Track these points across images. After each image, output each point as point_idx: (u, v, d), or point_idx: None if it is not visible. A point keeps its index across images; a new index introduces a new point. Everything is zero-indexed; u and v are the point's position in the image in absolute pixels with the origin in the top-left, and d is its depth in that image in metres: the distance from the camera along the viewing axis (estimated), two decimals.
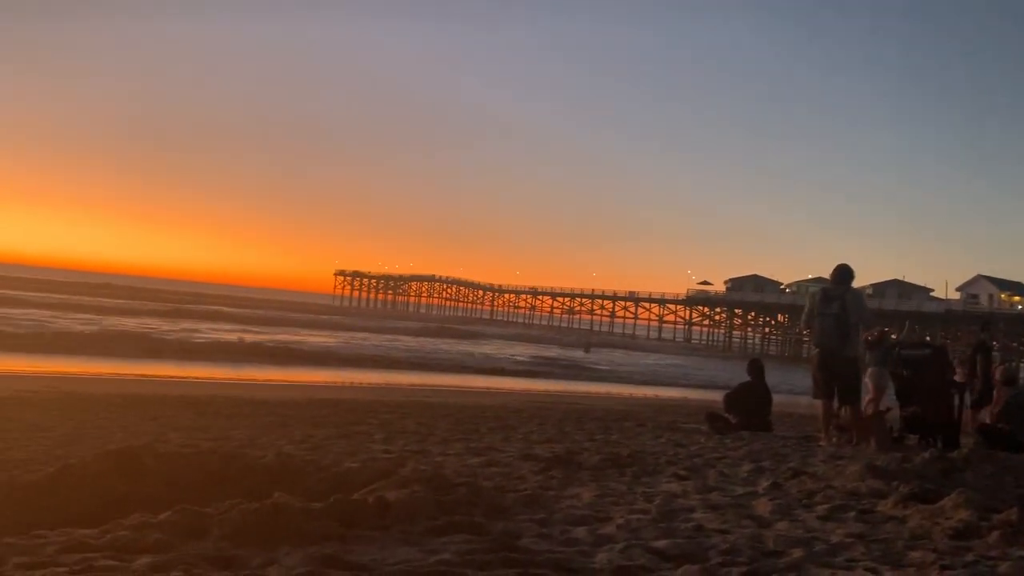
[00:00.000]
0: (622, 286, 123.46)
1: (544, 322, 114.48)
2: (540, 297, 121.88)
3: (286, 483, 5.34)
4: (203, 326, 41.75)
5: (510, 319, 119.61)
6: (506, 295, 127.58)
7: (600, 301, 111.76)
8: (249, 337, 36.27)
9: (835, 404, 9.79)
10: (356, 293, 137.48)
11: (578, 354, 49.02)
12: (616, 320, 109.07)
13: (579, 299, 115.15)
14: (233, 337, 35.48)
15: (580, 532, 4.54)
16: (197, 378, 19.35)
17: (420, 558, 3.83)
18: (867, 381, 11.15)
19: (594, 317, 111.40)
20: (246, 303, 79.37)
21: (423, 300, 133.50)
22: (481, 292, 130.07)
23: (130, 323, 37.97)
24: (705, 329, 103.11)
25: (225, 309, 61.96)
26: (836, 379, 9.64)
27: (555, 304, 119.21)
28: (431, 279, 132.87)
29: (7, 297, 48.03)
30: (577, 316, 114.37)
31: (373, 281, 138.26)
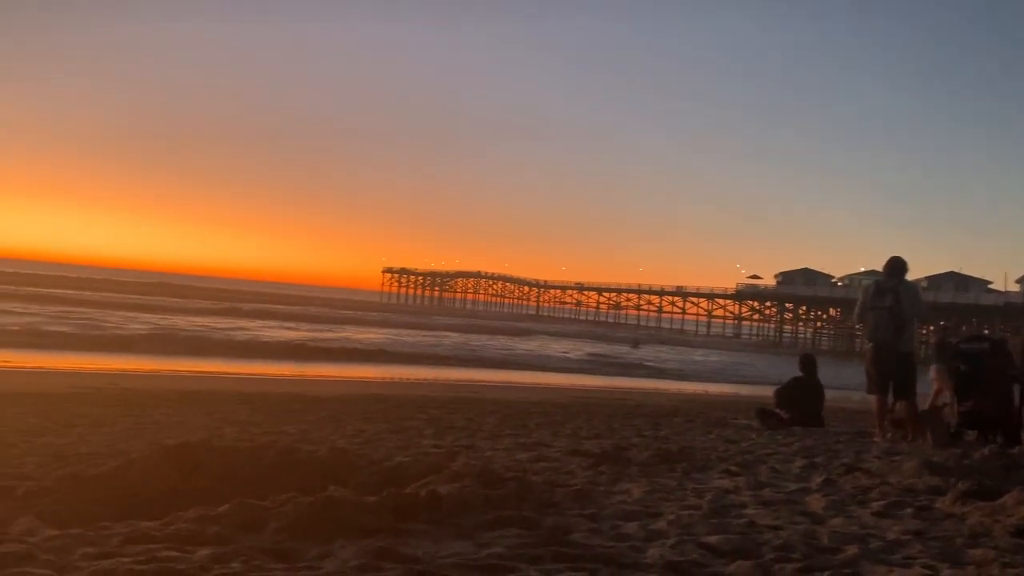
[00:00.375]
0: (669, 281, 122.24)
1: (590, 318, 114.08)
2: (586, 293, 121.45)
3: (339, 477, 5.43)
4: (256, 324, 42.50)
5: (556, 315, 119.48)
6: (552, 291, 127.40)
7: (647, 296, 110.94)
8: (300, 335, 36.84)
9: (890, 399, 9.61)
10: (403, 290, 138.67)
11: (625, 350, 48.79)
12: (663, 315, 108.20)
13: (626, 294, 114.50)
14: (285, 335, 36.07)
15: (631, 527, 4.54)
16: (250, 374, 19.72)
17: (472, 551, 3.87)
18: (933, 377, 10.98)
19: (641, 313, 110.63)
20: (296, 301, 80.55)
21: (469, 296, 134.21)
22: (527, 288, 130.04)
23: (185, 321, 38.84)
24: (755, 324, 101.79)
25: (276, 307, 62.97)
26: (890, 374, 9.46)
27: (601, 300, 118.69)
28: (477, 275, 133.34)
29: (67, 297, 49.44)
30: (624, 312, 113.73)
31: (419, 278, 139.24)
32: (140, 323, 34.33)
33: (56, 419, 8.94)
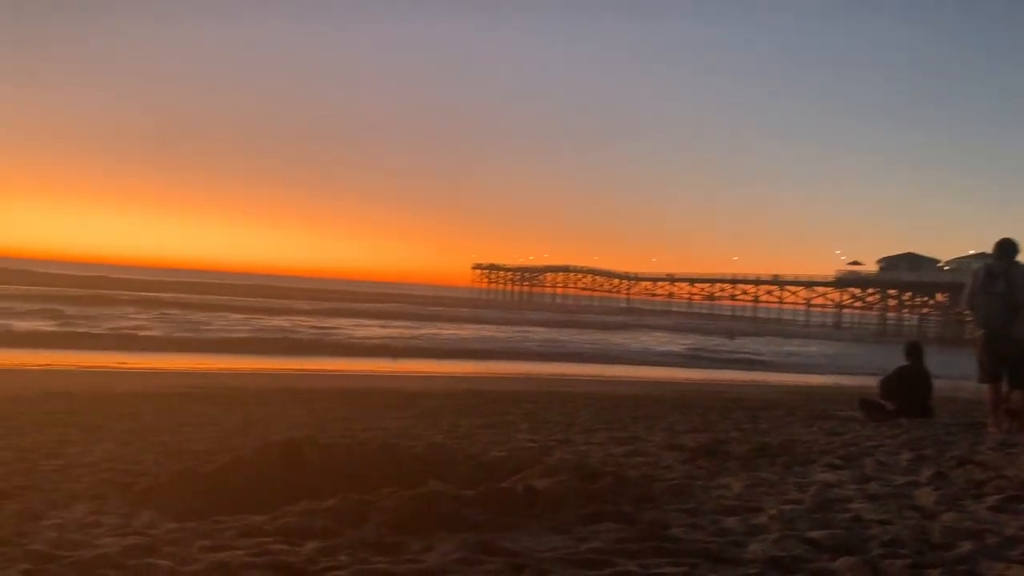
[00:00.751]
0: (765, 270, 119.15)
1: (683, 310, 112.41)
2: (678, 284, 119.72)
3: (437, 471, 5.54)
4: (350, 322, 43.60)
5: (647, 307, 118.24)
6: (642, 283, 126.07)
7: (742, 286, 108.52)
8: (393, 332, 37.63)
9: (1004, 388, 9.15)
10: (493, 285, 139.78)
11: (720, 341, 47.91)
12: (760, 305, 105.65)
13: (719, 284, 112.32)
14: (379, 332, 36.91)
15: (731, 522, 4.48)
16: (348, 371, 20.26)
17: (571, 546, 3.90)
18: None
19: (736, 303, 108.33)
20: (388, 298, 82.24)
21: (558, 291, 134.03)
22: (617, 281, 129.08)
23: (283, 321, 40.19)
24: (856, 312, 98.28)
25: (369, 305, 64.44)
26: (1004, 362, 9.02)
27: (694, 291, 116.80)
28: (566, 269, 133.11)
29: (171, 300, 51.83)
30: (718, 303, 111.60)
31: (509, 273, 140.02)
32: (240, 324, 35.69)
33: (169, 417, 9.40)
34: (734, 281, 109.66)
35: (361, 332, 36.52)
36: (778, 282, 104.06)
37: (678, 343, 43.87)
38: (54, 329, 27.18)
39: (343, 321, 43.88)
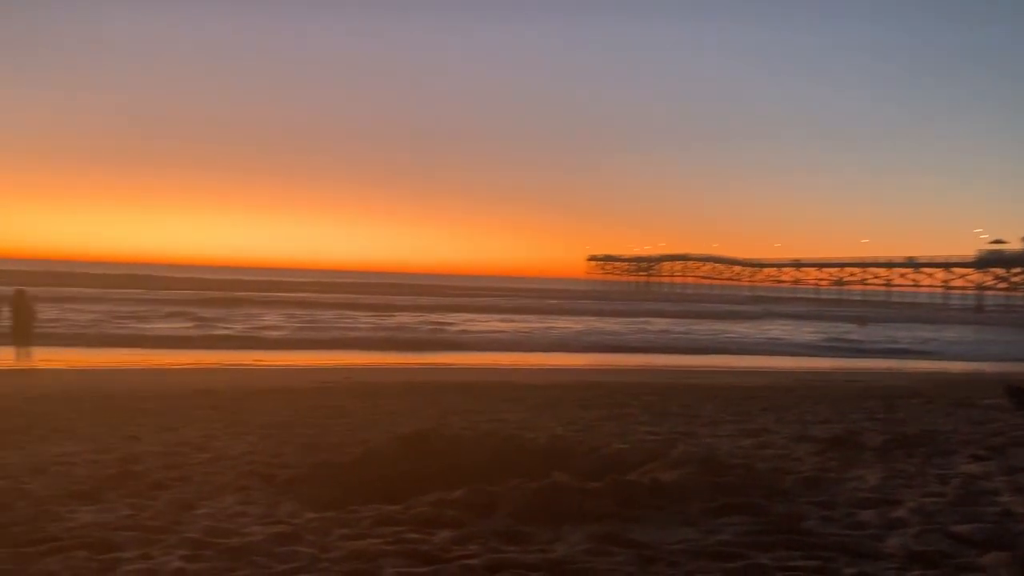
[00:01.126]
0: (898, 252, 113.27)
1: (810, 296, 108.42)
2: (804, 269, 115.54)
3: (560, 463, 5.59)
4: (468, 317, 44.33)
5: (772, 295, 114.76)
6: (766, 269, 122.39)
7: (873, 269, 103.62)
8: (510, 326, 38.03)
9: None
10: (608, 276, 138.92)
11: (851, 328, 45.98)
12: (893, 289, 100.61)
13: (849, 269, 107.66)
14: (496, 326, 37.40)
15: (868, 515, 4.33)
16: (469, 365, 20.63)
17: (700, 538, 3.86)
18: None
19: (867, 288, 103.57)
20: (505, 293, 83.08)
21: (676, 280, 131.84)
22: (738, 268, 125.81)
23: (405, 316, 41.30)
24: (1000, 293, 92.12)
25: (487, 300, 65.29)
26: None
27: (821, 276, 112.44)
28: (684, 258, 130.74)
29: (300, 300, 54.05)
30: (847, 288, 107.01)
31: (625, 264, 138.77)
32: (362, 321, 36.90)
33: (304, 412, 9.85)
34: (864, 265, 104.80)
35: (477, 327, 37.08)
36: (912, 264, 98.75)
37: (805, 331, 42.39)
38: (193, 330, 28.92)
39: (460, 316, 44.68)
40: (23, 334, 15.36)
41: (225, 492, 5.20)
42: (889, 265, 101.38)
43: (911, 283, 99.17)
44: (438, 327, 35.49)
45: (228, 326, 30.90)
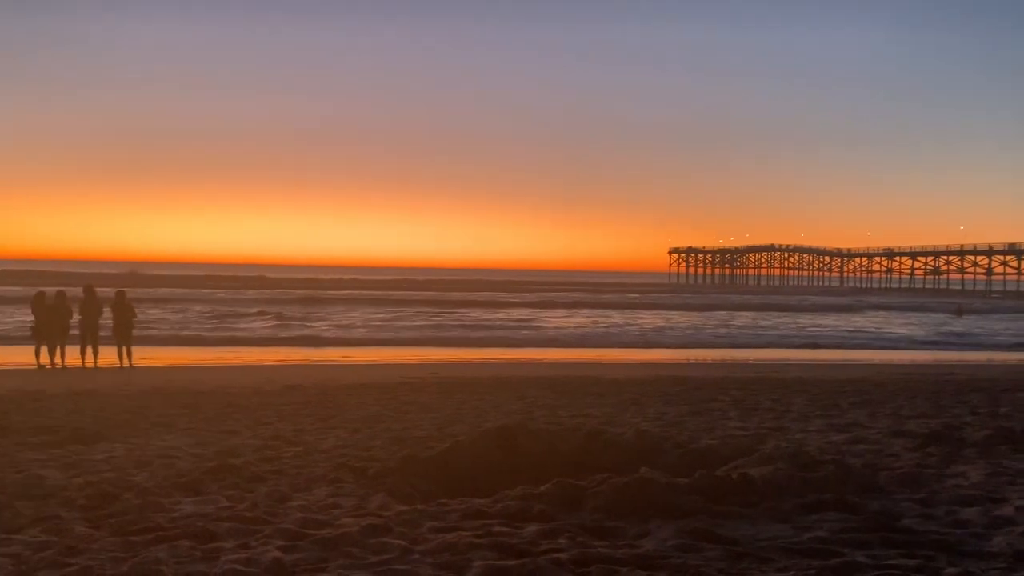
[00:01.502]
0: (999, 237, 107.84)
1: (904, 286, 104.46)
2: (897, 259, 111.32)
3: (647, 459, 5.55)
4: (551, 313, 44.39)
5: (863, 285, 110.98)
6: (857, 259, 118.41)
7: (972, 257, 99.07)
8: (592, 320, 37.92)
9: None
10: (691, 269, 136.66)
11: (947, 319, 44.16)
12: (994, 278, 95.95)
13: (945, 257, 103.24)
14: (578, 321, 37.34)
15: (970, 513, 4.16)
16: (552, 360, 20.66)
17: (792, 534, 3.78)
18: None
19: (965, 276, 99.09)
20: (587, 288, 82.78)
21: (762, 271, 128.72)
22: (827, 258, 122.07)
23: (488, 313, 41.63)
24: None
25: (569, 295, 65.23)
26: None
27: (916, 265, 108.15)
28: (770, 248, 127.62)
29: (381, 298, 55.04)
30: (944, 277, 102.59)
31: (708, 256, 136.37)
32: (443, 317, 37.36)
33: (391, 406, 10.05)
34: (962, 253, 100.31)
35: (559, 321, 37.09)
36: (1016, 251, 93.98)
37: (898, 322, 40.94)
38: (279, 327, 29.85)
39: (543, 312, 44.76)
40: (123, 333, 16.09)
41: (318, 484, 5.35)
42: (989, 253, 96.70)
43: (1014, 271, 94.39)
44: (521, 322, 35.66)
45: (312, 323, 31.80)
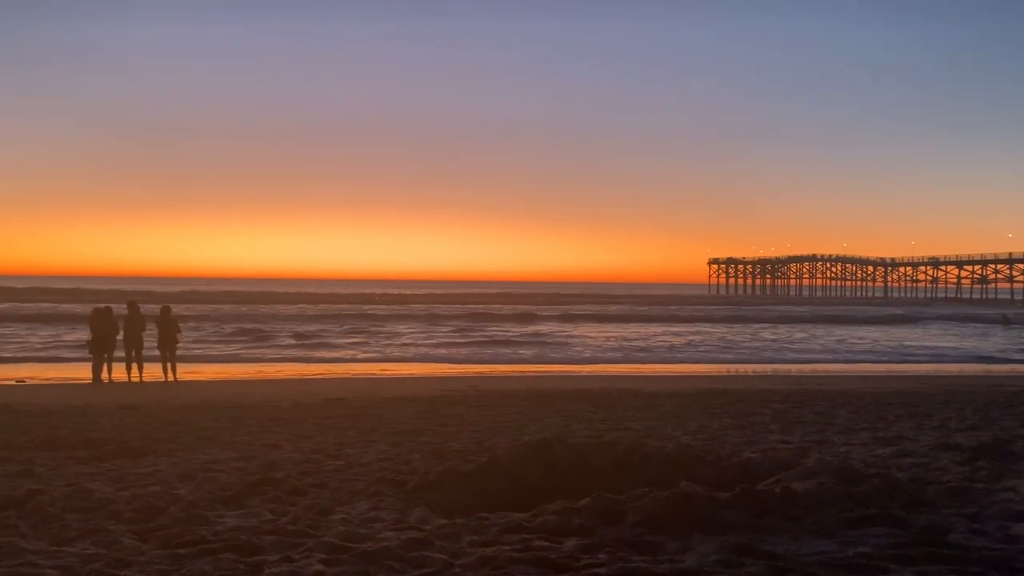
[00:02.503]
0: None
1: (950, 296, 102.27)
2: (943, 268, 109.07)
3: (687, 472, 5.49)
4: (590, 326, 44.28)
5: (908, 295, 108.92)
6: (901, 268, 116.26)
7: (1021, 265, 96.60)
8: (624, 332, 37.74)
9: None
10: (731, 280, 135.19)
11: (995, 329, 43.14)
12: None
13: (992, 266, 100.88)
14: (619, 333, 37.17)
15: (1021, 529, 4.05)
16: (590, 373, 20.59)
17: (837, 550, 3.72)
18: None
19: (1015, 285, 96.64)
20: (625, 300, 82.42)
21: (804, 282, 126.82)
22: (871, 268, 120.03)
23: (533, 327, 41.66)
24: None
25: (608, 308, 65.00)
26: None
27: (963, 274, 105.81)
28: (812, 259, 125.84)
29: (435, 312, 55.33)
30: (992, 286, 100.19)
31: (748, 267, 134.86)
32: (485, 331, 37.47)
33: (430, 419, 10.08)
34: (1011, 261, 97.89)
35: (599, 332, 36.96)
36: None
37: (946, 333, 40.08)
38: (316, 341, 30.20)
39: (583, 326, 44.65)
40: (167, 348, 16.38)
41: (359, 498, 5.38)
42: None
43: None
44: (562, 335, 35.62)
45: (348, 338, 32.15)
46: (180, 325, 17.45)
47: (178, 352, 16.88)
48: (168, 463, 6.91)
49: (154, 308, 18.29)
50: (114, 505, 5.03)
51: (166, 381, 16.04)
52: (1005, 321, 48.24)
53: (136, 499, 5.18)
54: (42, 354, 23.84)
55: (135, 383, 15.87)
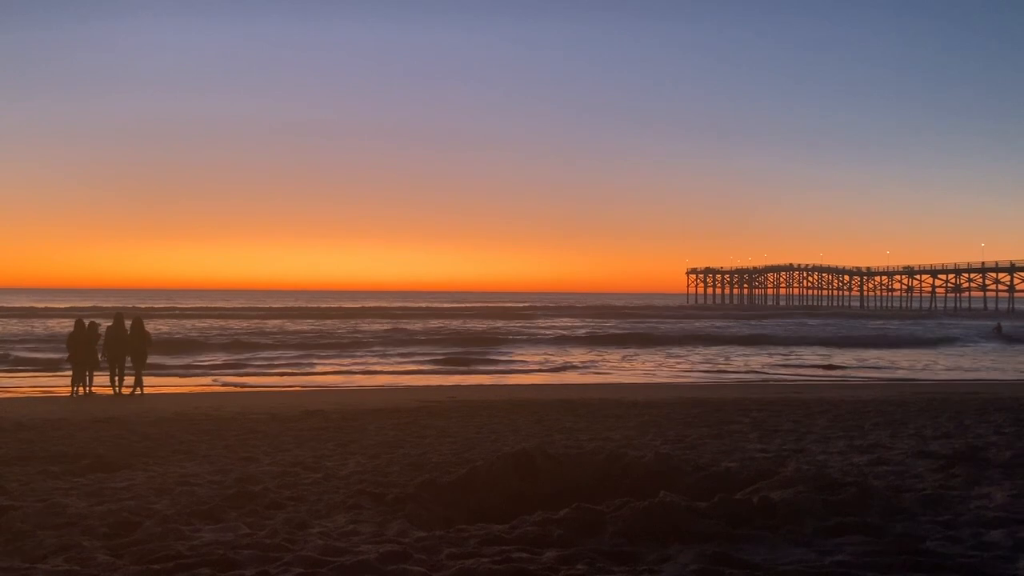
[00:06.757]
0: (1022, 254, 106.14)
1: (925, 304, 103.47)
2: (918, 277, 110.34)
3: (666, 482, 5.51)
4: (568, 333, 44.33)
5: (884, 304, 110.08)
6: (876, 278, 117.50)
7: (994, 275, 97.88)
8: (610, 344, 37.85)
9: None
10: (710, 290, 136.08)
11: (985, 336, 43.66)
12: (1016, 296, 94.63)
13: (966, 274, 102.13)
14: (597, 343, 37.25)
15: (996, 535, 4.10)
16: (570, 383, 20.61)
17: (814, 559, 3.74)
18: None
19: (987, 294, 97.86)
20: (605, 312, 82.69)
21: (781, 291, 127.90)
22: (847, 277, 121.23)
23: (508, 336, 41.65)
24: None
25: (590, 321, 65.10)
26: None
27: (937, 283, 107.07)
28: (788, 268, 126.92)
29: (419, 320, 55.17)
30: (966, 295, 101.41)
31: (726, 276, 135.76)
32: (461, 347, 37.46)
33: (409, 431, 10.04)
34: (984, 270, 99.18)
35: (575, 346, 37.02)
36: None
37: (925, 339, 40.50)
38: (300, 351, 30.01)
39: (566, 335, 44.69)
40: (138, 360, 16.18)
41: (337, 511, 5.35)
42: (1011, 269, 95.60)
43: None
44: (543, 345, 35.63)
45: (332, 348, 32.00)
46: (152, 338, 17.23)
47: (156, 369, 16.69)
48: (144, 477, 6.83)
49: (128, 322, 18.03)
50: (88, 520, 4.96)
51: (140, 394, 15.84)
52: (998, 327, 48.60)
53: (111, 514, 5.11)
54: (17, 366, 23.53)
55: (115, 396, 15.67)
